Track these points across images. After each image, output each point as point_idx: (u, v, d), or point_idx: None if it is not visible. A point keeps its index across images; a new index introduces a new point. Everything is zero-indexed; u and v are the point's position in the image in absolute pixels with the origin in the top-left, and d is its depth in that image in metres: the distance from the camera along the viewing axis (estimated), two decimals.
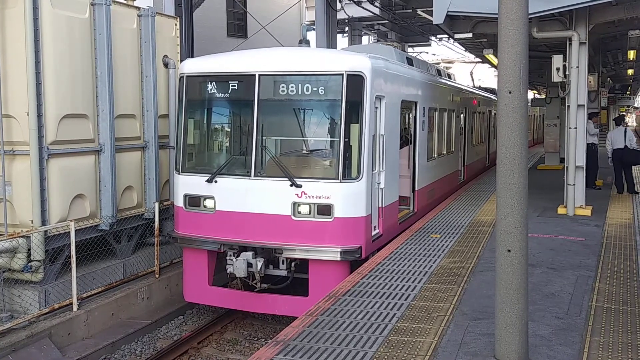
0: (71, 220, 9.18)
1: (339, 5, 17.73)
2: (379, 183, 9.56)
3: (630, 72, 26.68)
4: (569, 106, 11.84)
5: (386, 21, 22.31)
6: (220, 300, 9.61)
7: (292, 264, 9.08)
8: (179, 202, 9.65)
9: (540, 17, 11.31)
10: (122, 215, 10.71)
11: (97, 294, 9.82)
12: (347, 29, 23.05)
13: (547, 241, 9.78)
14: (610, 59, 21.58)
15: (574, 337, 5.79)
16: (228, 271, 9.18)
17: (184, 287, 9.89)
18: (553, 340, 5.69)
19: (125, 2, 11.00)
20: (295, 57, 9.37)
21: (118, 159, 10.47)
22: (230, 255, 9.12)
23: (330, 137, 9.12)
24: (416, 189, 11.90)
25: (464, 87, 18.15)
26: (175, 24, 12.44)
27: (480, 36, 14.32)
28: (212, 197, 9.30)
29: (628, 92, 38.73)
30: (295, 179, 8.80)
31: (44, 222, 9.07)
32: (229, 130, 10.22)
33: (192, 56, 15.27)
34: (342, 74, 8.79)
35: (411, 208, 11.84)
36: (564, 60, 11.65)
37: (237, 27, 21.30)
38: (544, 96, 28.24)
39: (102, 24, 10.00)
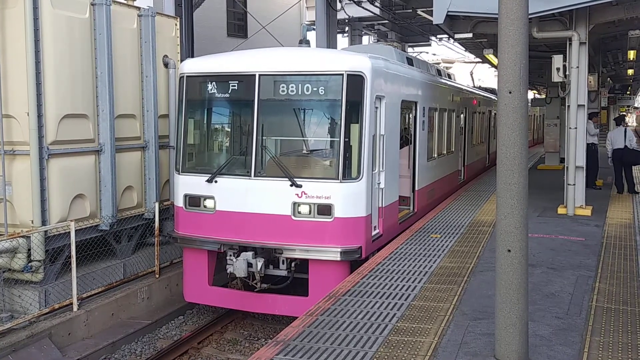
0: (71, 220, 9.18)
1: (339, 5, 17.72)
2: (379, 183, 9.56)
3: (630, 72, 26.68)
4: (569, 106, 11.84)
5: (386, 21, 22.31)
6: (220, 300, 9.61)
7: (292, 264, 9.08)
8: (179, 202, 9.65)
9: (540, 17, 11.31)
10: (122, 215, 10.71)
11: (97, 294, 9.82)
12: (347, 29, 23.05)
13: (547, 241, 9.78)
14: (610, 59, 21.58)
15: (574, 337, 5.79)
16: (228, 271, 9.18)
17: (184, 287, 9.89)
18: (553, 340, 5.69)
19: (125, 2, 11.00)
20: (296, 57, 9.37)
21: (118, 159, 10.47)
22: (231, 255, 9.12)
23: (331, 137, 9.13)
24: (416, 189, 11.90)
25: (464, 87, 18.15)
26: (176, 24, 12.44)
27: (480, 36, 14.32)
28: (212, 197, 9.30)
29: (628, 92, 38.72)
30: (295, 179, 8.80)
31: (44, 222, 9.08)
32: (229, 130, 10.22)
33: (192, 56, 15.28)
34: (342, 74, 8.79)
35: (411, 208, 11.84)
36: (564, 60, 11.64)
37: (237, 27, 21.30)
38: (544, 96, 28.24)
39: (102, 24, 10.01)
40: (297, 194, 8.81)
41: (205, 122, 10.11)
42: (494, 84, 24.40)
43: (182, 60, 11.55)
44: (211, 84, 9.46)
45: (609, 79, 27.77)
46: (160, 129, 11.65)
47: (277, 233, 8.89)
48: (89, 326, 9.23)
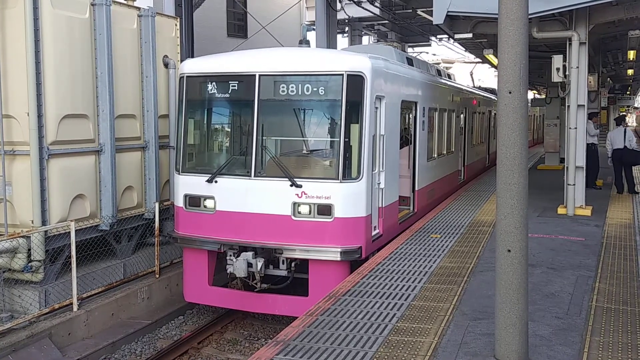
0: (71, 221, 9.18)
1: (339, 6, 17.73)
2: (379, 183, 9.57)
3: (630, 72, 26.68)
4: (569, 106, 11.84)
5: (386, 21, 22.31)
6: (221, 300, 9.61)
7: (292, 264, 9.08)
8: (179, 202, 9.66)
9: (540, 17, 11.32)
10: (122, 215, 10.71)
11: (98, 294, 9.82)
12: (347, 29, 23.06)
13: (547, 241, 9.78)
14: (610, 59, 21.58)
15: (574, 337, 5.79)
16: (228, 271, 9.18)
17: (184, 287, 9.89)
18: (553, 340, 5.70)
19: (125, 2, 11.01)
20: (296, 57, 9.38)
21: (118, 159, 10.48)
22: (231, 255, 9.12)
23: (331, 137, 9.13)
24: (416, 189, 11.90)
25: (464, 87, 18.15)
26: (176, 24, 12.45)
27: (480, 36, 14.33)
28: (212, 197, 9.30)
29: (628, 92, 38.70)
30: (295, 179, 8.80)
31: (44, 222, 9.08)
32: (229, 130, 10.22)
33: (192, 56, 15.28)
34: (342, 74, 8.79)
35: (411, 208, 11.84)
36: (564, 60, 11.65)
37: (237, 27, 21.31)
38: (544, 96, 28.24)
39: (102, 24, 10.01)
40: (297, 194, 8.81)
41: (205, 122, 10.11)
42: (494, 84, 24.39)
43: (182, 61, 11.55)
44: (211, 84, 9.47)
45: (609, 79, 27.77)
46: (160, 129, 11.65)
47: (277, 233, 8.89)
48: (89, 326, 9.23)
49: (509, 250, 4.89)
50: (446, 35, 20.83)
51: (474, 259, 8.67)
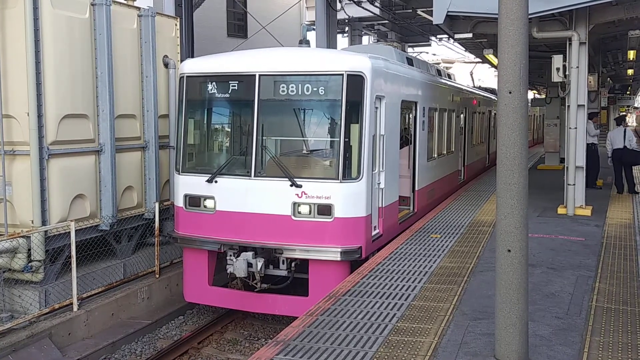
0: (71, 221, 9.18)
1: (339, 6, 17.73)
2: (379, 183, 9.57)
3: (630, 72, 26.68)
4: (569, 106, 11.84)
5: (386, 21, 22.31)
6: (221, 300, 9.61)
7: (292, 264, 9.08)
8: (179, 202, 9.66)
9: (540, 17, 11.32)
10: (122, 215, 10.71)
11: (98, 294, 9.82)
12: (347, 29, 23.06)
13: (547, 241, 9.78)
14: (610, 59, 21.58)
15: (574, 337, 5.79)
16: (228, 271, 9.18)
17: (184, 287, 9.89)
18: (553, 340, 5.70)
19: (125, 2, 11.01)
20: (296, 57, 9.38)
21: (118, 159, 10.48)
22: (231, 255, 9.12)
23: (330, 137, 9.13)
24: (416, 189, 11.90)
25: (464, 87, 18.15)
26: (176, 24, 12.45)
27: (480, 36, 14.33)
28: (212, 197, 9.30)
29: (628, 92, 38.71)
30: (295, 179, 8.80)
31: (44, 222, 9.08)
32: (229, 130, 10.22)
33: (192, 56, 15.27)
34: (342, 74, 8.79)
35: (411, 208, 11.84)
36: (564, 60, 11.65)
37: (237, 27, 21.30)
38: (544, 96, 28.24)
39: (102, 24, 10.01)
40: (297, 194, 8.81)
41: (205, 122, 10.11)
42: (494, 84, 24.40)
43: (182, 61, 11.55)
44: (211, 84, 9.47)
45: (609, 79, 27.77)
46: (160, 129, 11.65)
47: (277, 233, 8.89)
48: (89, 326, 9.23)
49: (509, 250, 4.89)
50: (446, 35, 20.84)
51: (474, 259, 8.68)
